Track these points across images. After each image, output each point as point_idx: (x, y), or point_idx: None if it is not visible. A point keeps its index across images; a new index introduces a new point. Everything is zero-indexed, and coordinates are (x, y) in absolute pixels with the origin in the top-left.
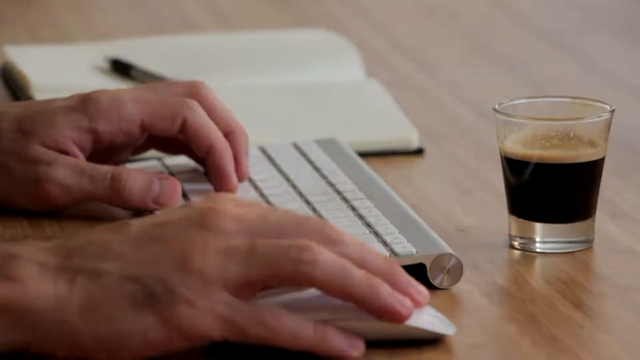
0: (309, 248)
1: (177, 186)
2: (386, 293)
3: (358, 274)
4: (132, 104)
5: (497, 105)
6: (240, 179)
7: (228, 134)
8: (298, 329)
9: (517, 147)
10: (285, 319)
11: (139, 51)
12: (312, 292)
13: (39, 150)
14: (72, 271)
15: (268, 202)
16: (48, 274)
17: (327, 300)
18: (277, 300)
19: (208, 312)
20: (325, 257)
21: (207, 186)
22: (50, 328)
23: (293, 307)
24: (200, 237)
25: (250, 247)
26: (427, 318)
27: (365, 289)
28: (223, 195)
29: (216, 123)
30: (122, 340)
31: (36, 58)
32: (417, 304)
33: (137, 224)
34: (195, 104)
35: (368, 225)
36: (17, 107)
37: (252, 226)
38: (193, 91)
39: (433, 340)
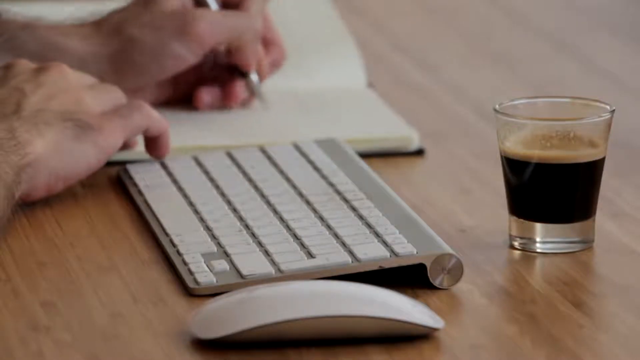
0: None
1: None
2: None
3: None
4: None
5: (497, 105)
6: None
7: None
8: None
9: (517, 147)
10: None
11: None
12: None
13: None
14: (29, 124)
15: (268, 202)
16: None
17: (327, 296)
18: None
19: (113, 131)
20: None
21: (209, 186)
22: (42, 174)
23: (293, 301)
24: (65, 82)
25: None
26: (417, 314)
27: None
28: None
29: None
30: (76, 168)
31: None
32: None
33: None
34: None
35: (368, 225)
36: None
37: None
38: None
39: (430, 339)
